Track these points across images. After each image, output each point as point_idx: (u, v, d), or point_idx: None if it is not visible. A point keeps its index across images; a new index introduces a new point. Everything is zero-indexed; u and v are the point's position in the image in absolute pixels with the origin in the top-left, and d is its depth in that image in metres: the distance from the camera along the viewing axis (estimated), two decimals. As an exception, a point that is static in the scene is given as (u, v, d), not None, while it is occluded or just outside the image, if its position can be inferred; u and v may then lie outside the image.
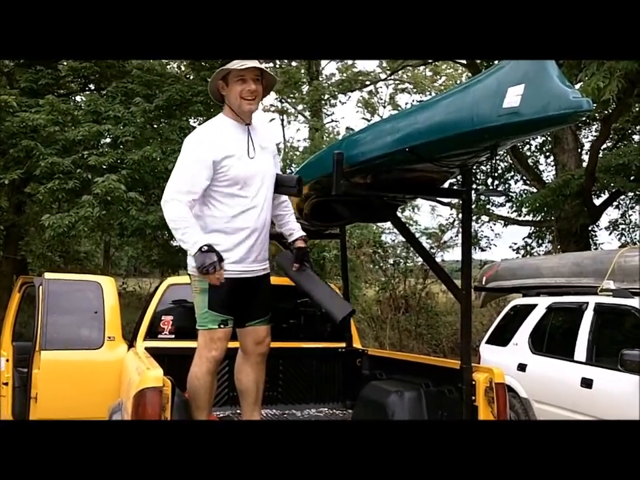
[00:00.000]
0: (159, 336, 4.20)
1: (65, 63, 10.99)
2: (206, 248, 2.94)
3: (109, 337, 4.24)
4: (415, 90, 20.10)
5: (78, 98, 11.94)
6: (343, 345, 4.48)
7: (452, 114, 2.47)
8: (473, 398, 2.99)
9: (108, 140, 9.77)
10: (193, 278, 3.16)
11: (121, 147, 9.29)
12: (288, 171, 12.94)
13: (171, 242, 10.87)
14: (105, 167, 8.86)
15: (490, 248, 14.61)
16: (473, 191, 3.18)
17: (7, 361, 4.75)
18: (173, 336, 4.21)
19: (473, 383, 3.00)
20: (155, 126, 10.38)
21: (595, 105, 5.96)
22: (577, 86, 6.25)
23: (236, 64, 3.07)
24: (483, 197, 13.10)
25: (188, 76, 11.60)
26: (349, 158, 3.02)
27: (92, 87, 11.51)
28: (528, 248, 14.19)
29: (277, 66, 17.11)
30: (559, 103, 2.05)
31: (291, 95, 18.40)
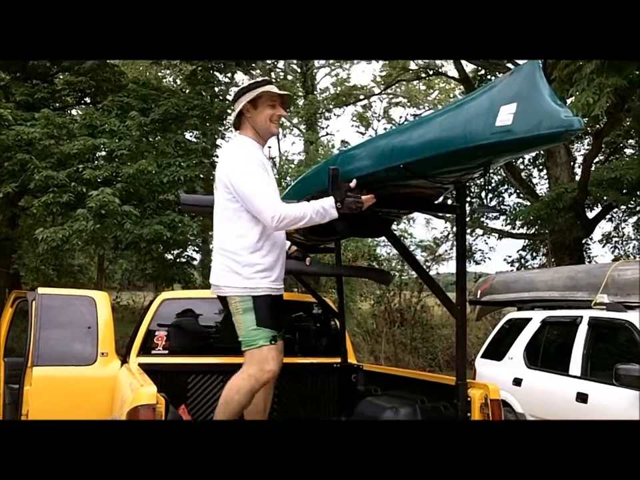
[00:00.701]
0: (153, 352, 4.17)
1: (61, 77, 11.04)
2: (340, 205, 2.89)
3: (102, 353, 4.20)
4: (409, 104, 20.23)
5: (74, 111, 11.99)
6: (338, 360, 4.46)
7: (445, 131, 2.49)
8: (469, 414, 2.98)
9: (103, 153, 9.79)
10: (233, 300, 3.08)
11: (116, 160, 9.30)
12: (283, 183, 12.97)
13: (166, 255, 10.86)
14: (99, 180, 8.86)
15: (484, 261, 14.67)
16: (467, 206, 3.18)
17: (-2, 377, 4.71)
18: (167, 352, 4.19)
19: (468, 399, 2.99)
20: (151, 139, 10.41)
21: (586, 119, 6.02)
22: (568, 101, 6.31)
23: (271, 88, 3.16)
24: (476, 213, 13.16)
25: (184, 90, 11.65)
26: (344, 173, 3.03)
27: (88, 100, 11.54)
28: (522, 261, 14.25)
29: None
30: (551, 122, 2.07)
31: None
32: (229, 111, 11.45)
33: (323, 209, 2.91)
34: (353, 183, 2.89)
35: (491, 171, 2.83)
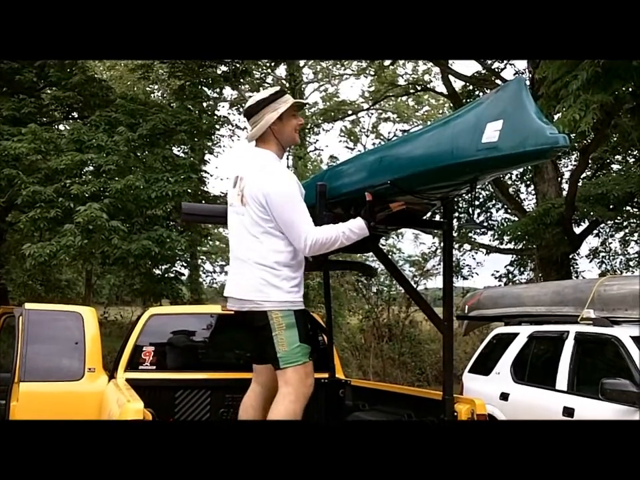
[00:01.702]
0: (140, 367, 4.16)
1: (49, 91, 11.02)
2: (373, 223, 2.90)
3: (90, 369, 4.18)
4: (398, 119, 20.36)
5: (61, 127, 11.95)
6: (326, 375, 4.45)
7: (432, 148, 2.52)
8: (455, 429, 2.98)
9: (91, 168, 9.75)
10: (274, 315, 2.96)
11: (104, 175, 9.27)
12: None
13: (154, 270, 10.82)
14: (87, 195, 8.83)
15: (472, 276, 14.75)
16: (454, 221, 3.22)
17: (-16, 393, 4.65)
18: (155, 367, 4.17)
19: (455, 414, 3.00)
20: (139, 155, 10.39)
21: (573, 135, 6.10)
22: (555, 117, 6.39)
23: (293, 99, 3.13)
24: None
25: (172, 105, 11.67)
26: (332, 189, 3.06)
27: (75, 115, 11.52)
28: (510, 276, 14.32)
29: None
30: (536, 139, 2.11)
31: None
32: (217, 126, 11.48)
33: (352, 231, 2.89)
34: (369, 197, 2.87)
35: (478, 187, 2.87)
